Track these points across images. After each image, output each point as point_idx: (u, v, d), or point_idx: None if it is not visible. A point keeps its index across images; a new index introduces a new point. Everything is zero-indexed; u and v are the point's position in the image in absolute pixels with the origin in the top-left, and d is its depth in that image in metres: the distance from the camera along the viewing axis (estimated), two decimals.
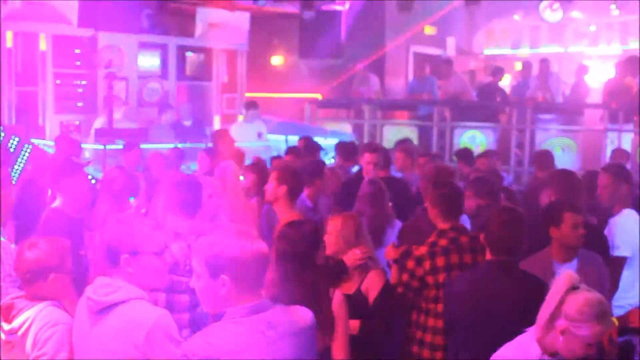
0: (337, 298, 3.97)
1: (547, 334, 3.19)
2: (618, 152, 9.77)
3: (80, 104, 11.66)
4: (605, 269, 4.84)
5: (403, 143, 9.10)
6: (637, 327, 4.33)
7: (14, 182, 6.76)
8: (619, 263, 5.37)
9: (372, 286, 4.48)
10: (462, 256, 4.69)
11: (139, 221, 3.33)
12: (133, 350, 3.06)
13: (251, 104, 11.83)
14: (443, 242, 4.73)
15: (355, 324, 4.35)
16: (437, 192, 4.92)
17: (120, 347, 3.09)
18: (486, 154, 8.74)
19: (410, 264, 4.71)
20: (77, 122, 11.48)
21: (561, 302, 3.14)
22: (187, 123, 11.92)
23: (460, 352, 4.24)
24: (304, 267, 3.78)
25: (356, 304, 4.39)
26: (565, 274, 3.23)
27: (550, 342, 3.20)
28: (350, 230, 4.56)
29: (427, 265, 4.66)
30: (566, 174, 5.86)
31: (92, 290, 3.19)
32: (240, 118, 13.28)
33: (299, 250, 3.80)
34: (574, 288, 3.16)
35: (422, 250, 4.72)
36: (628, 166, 10.21)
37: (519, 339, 3.34)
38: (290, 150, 8.92)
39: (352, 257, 4.50)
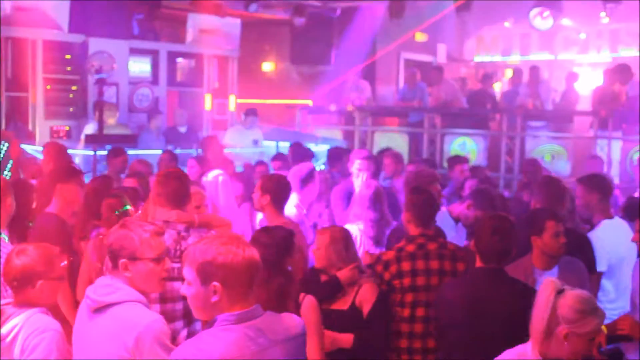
0: (308, 303, 3.99)
1: (549, 344, 3.19)
2: (591, 160, 9.76)
3: (70, 110, 11.64)
4: (586, 273, 4.86)
5: (389, 150, 9.14)
6: (626, 334, 4.34)
7: None
8: (596, 278, 5.37)
9: (365, 299, 4.51)
10: (428, 262, 4.77)
11: (140, 226, 3.39)
12: (123, 352, 3.13)
13: (251, 111, 11.86)
14: (410, 247, 4.82)
15: (348, 337, 4.38)
16: (412, 197, 5.03)
17: (112, 347, 3.16)
18: (461, 160, 8.73)
19: (379, 268, 4.80)
20: (67, 128, 11.46)
21: (554, 309, 3.16)
22: (183, 129, 11.95)
23: (451, 356, 4.27)
24: (273, 272, 3.79)
25: (351, 319, 4.44)
26: (547, 281, 3.25)
27: (554, 351, 3.19)
28: (340, 245, 4.58)
29: (393, 269, 4.74)
30: (550, 181, 5.89)
31: (92, 289, 3.32)
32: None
33: (268, 255, 3.82)
34: (559, 292, 3.18)
35: (390, 255, 4.82)
36: (614, 172, 10.31)
37: (519, 346, 3.34)
38: (277, 157, 8.92)
39: (346, 274, 4.51)
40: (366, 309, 4.49)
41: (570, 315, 3.14)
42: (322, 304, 4.44)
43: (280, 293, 3.71)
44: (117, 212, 5.10)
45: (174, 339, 4.22)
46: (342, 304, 4.49)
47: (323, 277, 4.60)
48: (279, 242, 3.88)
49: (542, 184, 5.87)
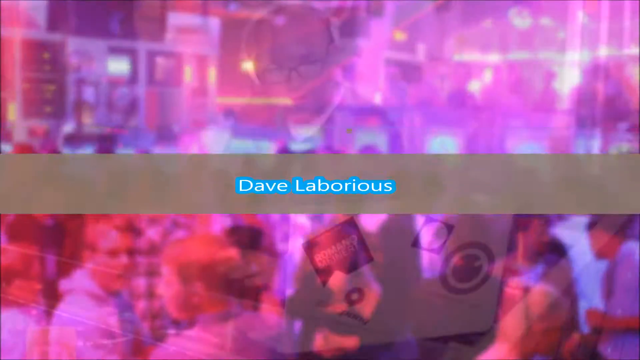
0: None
1: (525, 342, 3.20)
2: None
3: (49, 109, 11.55)
4: (570, 272, 4.88)
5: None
6: (598, 326, 4.40)
7: None
8: None
9: (367, 302, 4.43)
10: None
11: (108, 219, 3.49)
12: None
13: (229, 112, 11.80)
14: None
15: (353, 341, 4.32)
16: None
17: None
18: None
19: None
20: (45, 127, 11.37)
21: (526, 308, 3.17)
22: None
23: None
24: None
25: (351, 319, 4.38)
26: (511, 283, 3.26)
27: (532, 348, 3.20)
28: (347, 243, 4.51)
29: None
30: None
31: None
32: None
33: None
34: (525, 290, 3.20)
35: None
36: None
37: (492, 352, 3.33)
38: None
39: (338, 280, 4.45)
40: (368, 310, 4.41)
41: (544, 311, 3.16)
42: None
43: (240, 291, 3.69)
44: None
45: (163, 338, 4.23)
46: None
47: (320, 278, 4.54)
48: (242, 240, 3.86)
49: None
